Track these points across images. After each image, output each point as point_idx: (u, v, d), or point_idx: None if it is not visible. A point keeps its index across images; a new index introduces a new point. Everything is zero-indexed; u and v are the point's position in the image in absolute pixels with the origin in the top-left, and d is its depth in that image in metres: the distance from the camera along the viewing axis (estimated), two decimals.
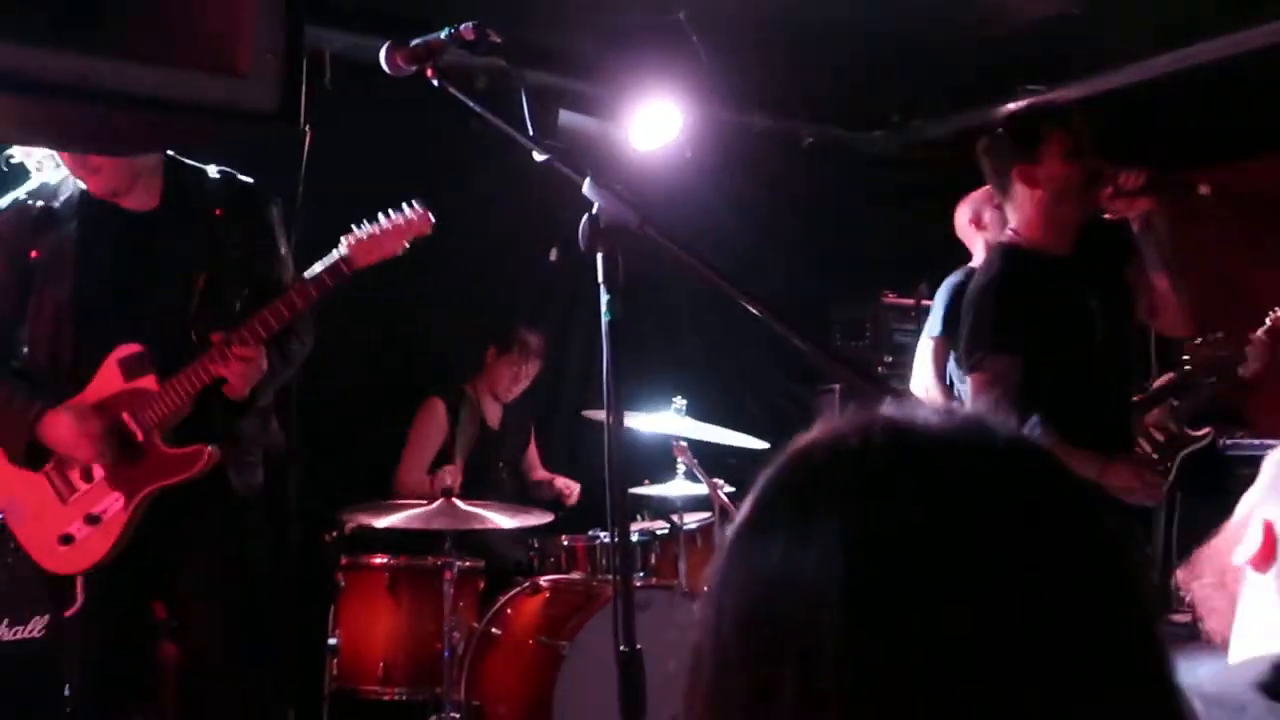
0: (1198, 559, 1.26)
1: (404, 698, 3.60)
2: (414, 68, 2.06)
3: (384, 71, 2.06)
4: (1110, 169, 2.77)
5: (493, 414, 4.49)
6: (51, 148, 2.58)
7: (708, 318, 5.30)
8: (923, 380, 3.82)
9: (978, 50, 4.60)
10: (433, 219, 2.76)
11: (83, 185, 2.63)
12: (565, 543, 4.01)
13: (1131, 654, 0.65)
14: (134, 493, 2.64)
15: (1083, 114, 2.85)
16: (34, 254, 2.62)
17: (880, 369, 5.26)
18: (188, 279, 2.64)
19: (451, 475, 3.88)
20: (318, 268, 2.65)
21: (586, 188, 1.72)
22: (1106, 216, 2.86)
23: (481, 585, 3.78)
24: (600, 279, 1.68)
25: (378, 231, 2.67)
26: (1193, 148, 5.61)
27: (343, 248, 2.65)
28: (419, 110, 3.84)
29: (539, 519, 3.74)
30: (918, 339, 5.41)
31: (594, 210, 1.71)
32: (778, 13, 4.35)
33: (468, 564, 3.66)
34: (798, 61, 4.84)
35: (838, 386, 5.17)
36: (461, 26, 1.95)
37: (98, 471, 2.64)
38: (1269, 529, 1.16)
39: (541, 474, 4.69)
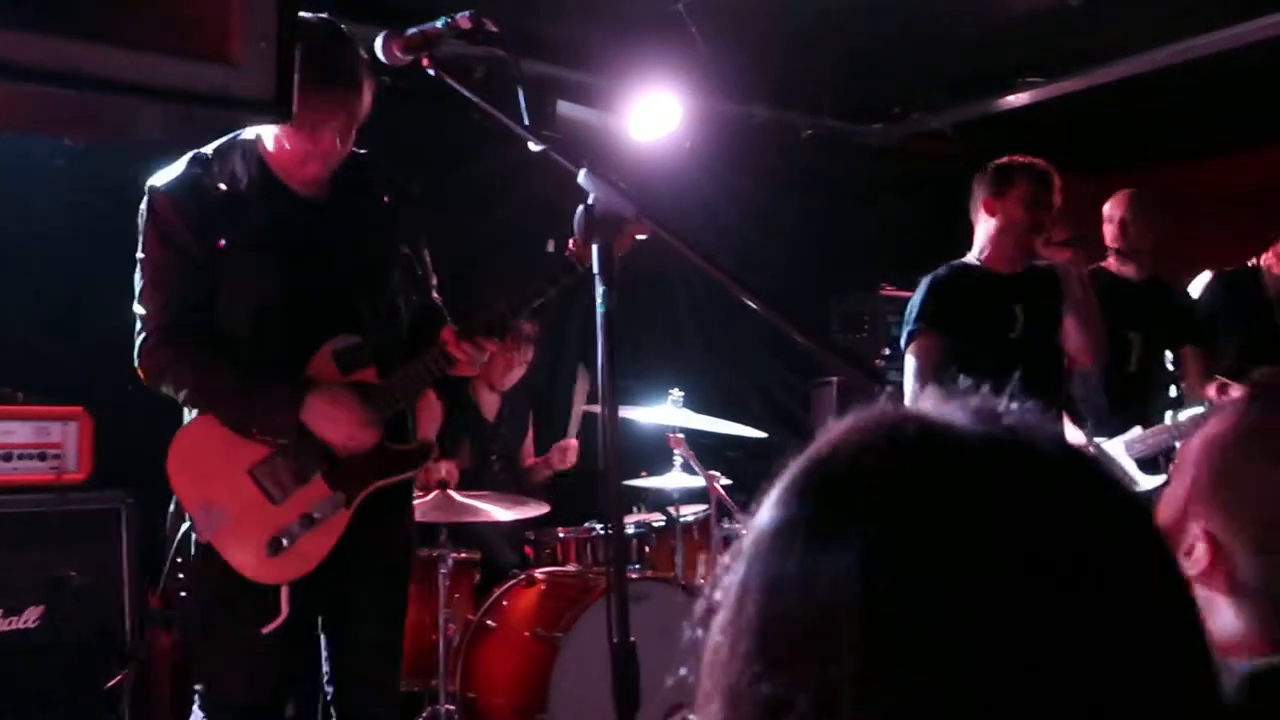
0: None
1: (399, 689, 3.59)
2: (410, 57, 2.05)
3: (380, 61, 2.05)
4: (1050, 224, 3.42)
5: (489, 406, 4.47)
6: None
7: (706, 309, 5.30)
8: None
9: (976, 43, 4.59)
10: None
11: (256, 168, 2.43)
12: (561, 535, 4.00)
13: (1189, 692, 0.60)
14: (356, 491, 2.43)
15: (1049, 176, 3.48)
16: (221, 241, 2.39)
17: (878, 361, 5.25)
18: (382, 269, 2.55)
19: (448, 469, 3.87)
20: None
21: (582, 178, 1.71)
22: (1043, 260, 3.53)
23: (477, 577, 3.78)
24: (596, 270, 1.67)
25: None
26: (1188, 140, 5.62)
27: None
28: (416, 100, 3.83)
29: (535, 510, 3.73)
30: None
31: (590, 201, 1.69)
32: (777, 4, 4.34)
33: (463, 556, 3.66)
34: (797, 53, 4.82)
35: (835, 379, 5.17)
36: (458, 16, 1.94)
37: (314, 471, 2.43)
38: (1210, 541, 1.09)
39: (533, 460, 4.64)
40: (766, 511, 0.66)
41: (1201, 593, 1.08)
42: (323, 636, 2.57)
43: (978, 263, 3.53)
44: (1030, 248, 3.44)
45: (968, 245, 4.00)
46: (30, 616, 3.25)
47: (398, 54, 2.06)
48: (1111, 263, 4.08)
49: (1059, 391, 3.58)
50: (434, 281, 2.73)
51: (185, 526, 2.45)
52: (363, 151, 2.56)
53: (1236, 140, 5.44)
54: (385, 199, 2.58)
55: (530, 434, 4.68)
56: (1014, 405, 0.65)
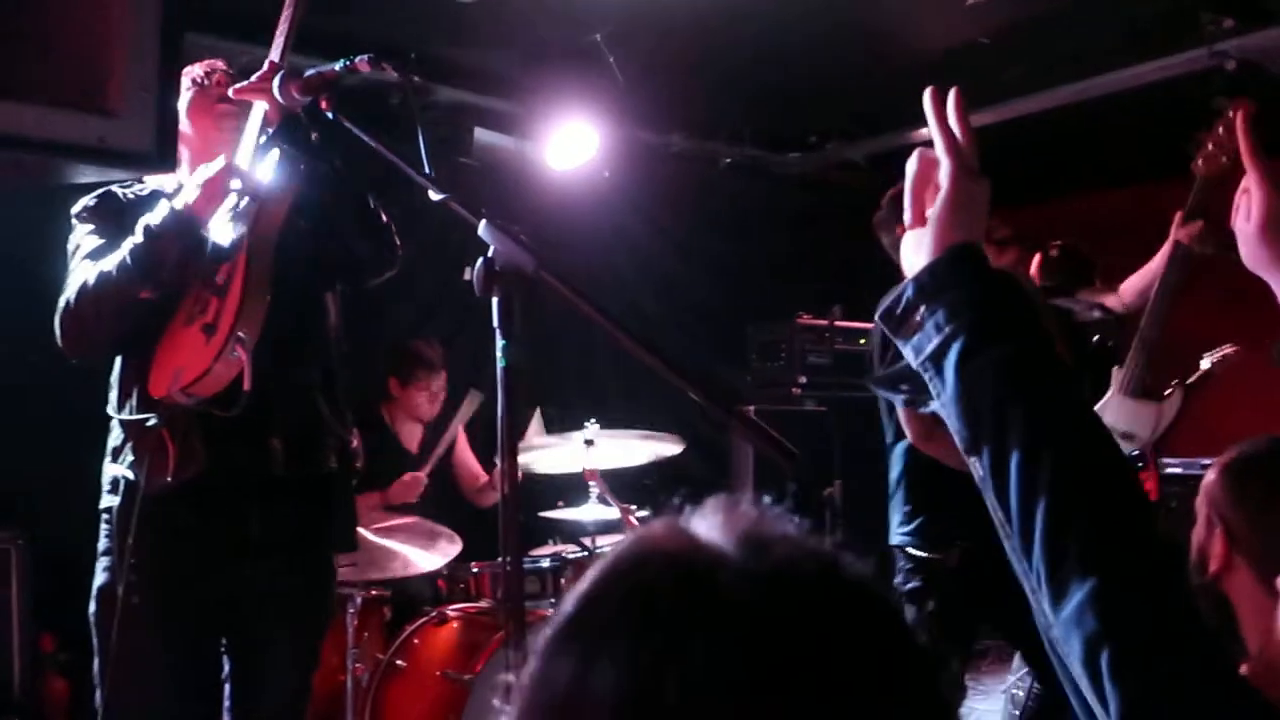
0: None
1: None
2: (308, 98, 2.02)
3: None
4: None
5: (410, 437, 4.37)
6: None
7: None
8: None
9: (890, 77, 4.68)
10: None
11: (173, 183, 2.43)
12: (475, 570, 3.94)
13: None
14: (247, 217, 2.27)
15: None
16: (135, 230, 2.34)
17: (795, 390, 5.30)
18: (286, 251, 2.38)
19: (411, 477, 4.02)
20: None
21: (482, 230, 1.69)
22: None
23: (387, 614, 3.70)
24: (495, 323, 1.65)
25: None
26: (1091, 173, 5.79)
27: None
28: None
29: (447, 549, 3.68)
30: (831, 360, 5.49)
31: (489, 253, 1.67)
32: (695, 36, 4.37)
33: (373, 593, 3.58)
34: (716, 84, 4.87)
35: (752, 407, 5.20)
36: (357, 59, 1.92)
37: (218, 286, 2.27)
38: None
39: (483, 482, 4.46)
40: (553, 622, 0.64)
41: None
42: (228, 686, 2.53)
43: None
44: None
45: (887, 276, 4.05)
46: None
47: (295, 95, 2.02)
48: None
49: None
50: None
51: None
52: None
53: (1147, 173, 5.59)
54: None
55: (468, 451, 4.53)
56: (789, 529, 0.63)
